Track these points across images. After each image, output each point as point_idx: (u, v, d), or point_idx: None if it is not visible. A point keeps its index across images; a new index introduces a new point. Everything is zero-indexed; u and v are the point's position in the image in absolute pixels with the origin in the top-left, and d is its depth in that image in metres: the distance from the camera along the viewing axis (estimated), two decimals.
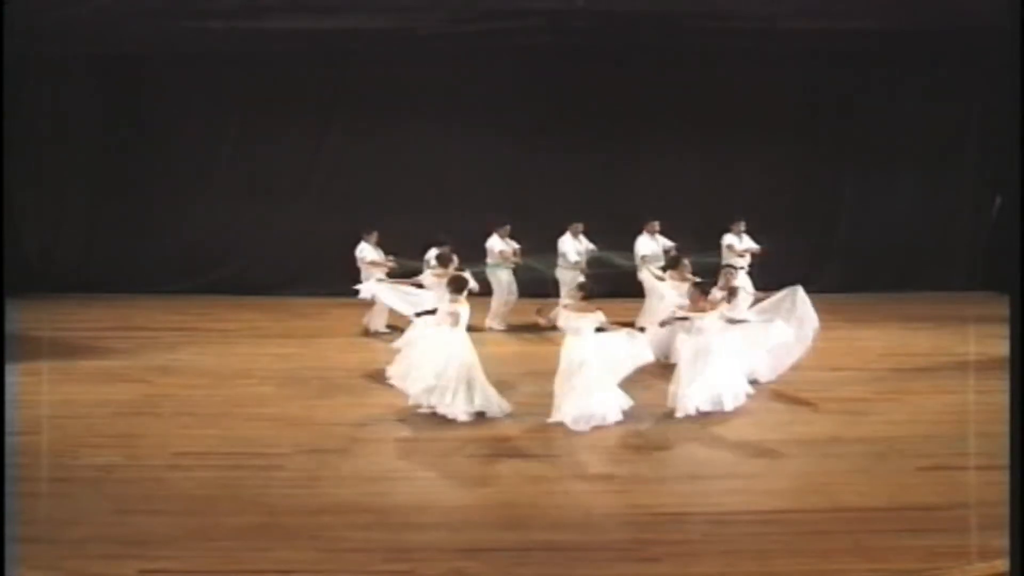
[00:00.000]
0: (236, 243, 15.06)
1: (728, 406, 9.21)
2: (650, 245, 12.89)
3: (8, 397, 6.82)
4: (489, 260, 12.78)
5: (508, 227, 12.90)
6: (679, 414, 9.07)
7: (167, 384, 10.27)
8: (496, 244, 12.83)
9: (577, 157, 14.96)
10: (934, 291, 14.86)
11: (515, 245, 12.91)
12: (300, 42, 13.85)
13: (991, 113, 14.66)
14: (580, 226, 12.93)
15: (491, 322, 12.81)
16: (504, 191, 14.48)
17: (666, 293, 11.40)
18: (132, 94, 15.02)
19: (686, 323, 9.36)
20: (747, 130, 14.89)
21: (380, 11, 13.15)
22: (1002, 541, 5.51)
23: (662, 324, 10.00)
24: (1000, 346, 6.56)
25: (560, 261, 12.90)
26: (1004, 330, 5.76)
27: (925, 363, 11.17)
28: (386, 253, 12.60)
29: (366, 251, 12.60)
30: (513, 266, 12.77)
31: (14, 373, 8.68)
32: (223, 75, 14.78)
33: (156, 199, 15.01)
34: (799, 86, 15.00)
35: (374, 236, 12.70)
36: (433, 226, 12.68)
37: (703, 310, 9.28)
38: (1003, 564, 5.64)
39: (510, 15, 13.43)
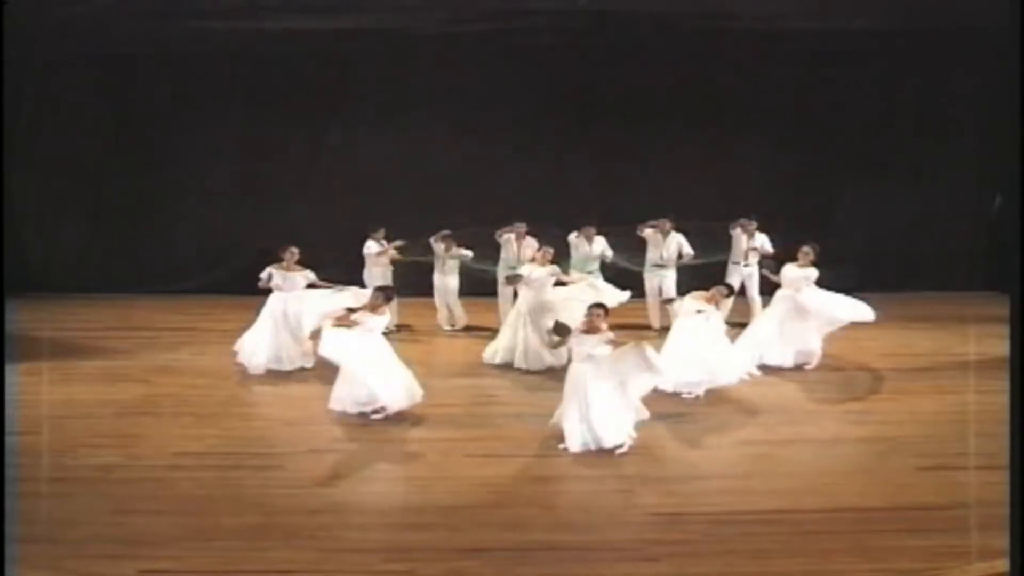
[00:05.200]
0: (236, 243, 15.01)
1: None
2: None
3: (8, 397, 6.83)
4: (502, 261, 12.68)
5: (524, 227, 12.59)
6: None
7: (167, 384, 10.26)
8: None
9: (577, 157, 14.93)
10: (934, 291, 14.83)
11: None
12: (300, 42, 13.82)
13: (991, 113, 14.64)
14: (592, 229, 12.83)
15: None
16: (504, 191, 14.43)
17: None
18: (132, 94, 14.95)
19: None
20: (747, 130, 14.84)
21: (380, 11, 13.13)
22: (1002, 541, 5.52)
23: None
24: (1000, 346, 6.55)
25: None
26: (1004, 330, 5.76)
27: (925, 363, 11.18)
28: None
29: (373, 250, 12.53)
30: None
31: (14, 373, 8.74)
32: (223, 75, 14.74)
33: (156, 199, 14.95)
34: (799, 86, 14.95)
35: (381, 233, 12.67)
36: (432, 225, 12.66)
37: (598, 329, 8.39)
38: (1003, 564, 5.65)
39: (511, 15, 13.40)
